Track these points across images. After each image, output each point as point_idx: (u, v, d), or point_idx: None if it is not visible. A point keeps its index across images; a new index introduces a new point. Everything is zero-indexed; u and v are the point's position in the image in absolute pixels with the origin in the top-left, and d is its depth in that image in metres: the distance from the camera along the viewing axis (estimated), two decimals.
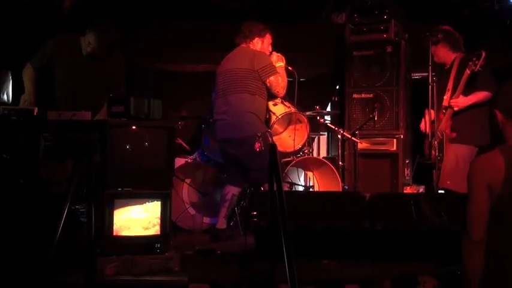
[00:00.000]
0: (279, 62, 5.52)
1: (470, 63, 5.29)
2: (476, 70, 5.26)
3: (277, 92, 5.39)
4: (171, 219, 4.23)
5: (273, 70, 5.31)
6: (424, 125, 5.72)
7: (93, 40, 4.99)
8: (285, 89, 5.45)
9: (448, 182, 5.35)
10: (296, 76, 5.83)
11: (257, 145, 5.04)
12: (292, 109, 6.35)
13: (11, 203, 4.13)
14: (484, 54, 5.24)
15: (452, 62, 5.62)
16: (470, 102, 5.36)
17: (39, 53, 5.12)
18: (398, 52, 6.47)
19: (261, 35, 5.47)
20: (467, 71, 5.31)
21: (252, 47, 5.45)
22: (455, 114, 5.49)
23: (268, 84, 5.33)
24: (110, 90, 5.11)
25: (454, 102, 5.40)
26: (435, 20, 6.87)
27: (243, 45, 5.48)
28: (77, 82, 5.05)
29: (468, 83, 5.35)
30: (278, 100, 6.33)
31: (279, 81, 5.35)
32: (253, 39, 5.44)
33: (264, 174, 4.95)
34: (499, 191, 2.45)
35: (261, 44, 5.48)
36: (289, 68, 5.67)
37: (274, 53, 5.61)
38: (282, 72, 5.48)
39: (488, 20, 6.72)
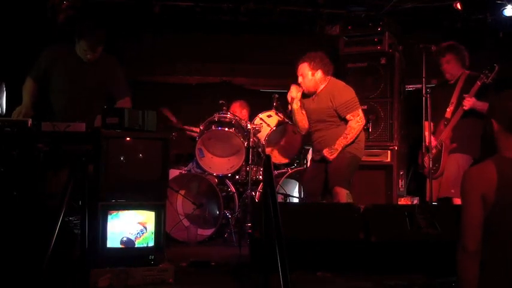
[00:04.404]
0: None
1: (482, 75, 5.37)
2: (487, 82, 5.34)
3: None
4: (165, 230, 4.21)
5: None
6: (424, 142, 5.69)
7: (87, 46, 4.95)
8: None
9: (452, 191, 5.38)
10: None
11: None
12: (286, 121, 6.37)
13: (4, 215, 4.11)
14: (497, 67, 5.33)
15: (458, 77, 5.69)
16: (480, 106, 5.33)
17: (36, 64, 5.11)
18: (393, 64, 6.47)
19: None
20: (478, 83, 5.39)
21: None
22: (457, 125, 5.54)
23: None
24: (110, 92, 5.13)
25: (467, 100, 5.42)
26: (429, 32, 6.94)
27: None
28: (76, 89, 5.03)
29: (477, 93, 5.41)
30: (272, 112, 6.36)
31: None
32: None
33: None
34: (492, 200, 2.46)
35: None
36: None
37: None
38: None
39: (481, 31, 6.76)
